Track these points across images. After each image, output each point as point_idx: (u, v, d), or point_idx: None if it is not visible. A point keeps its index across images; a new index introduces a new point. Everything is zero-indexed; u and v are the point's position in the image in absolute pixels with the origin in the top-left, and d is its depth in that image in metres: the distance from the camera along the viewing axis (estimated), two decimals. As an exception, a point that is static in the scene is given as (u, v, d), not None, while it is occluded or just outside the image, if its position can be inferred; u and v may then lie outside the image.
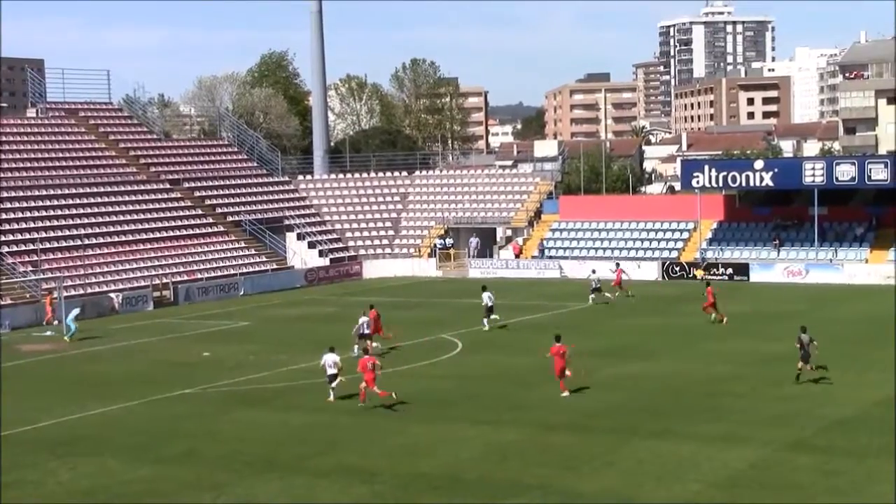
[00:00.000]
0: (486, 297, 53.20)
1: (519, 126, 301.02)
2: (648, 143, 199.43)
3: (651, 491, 27.08)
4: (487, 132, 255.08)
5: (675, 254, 76.80)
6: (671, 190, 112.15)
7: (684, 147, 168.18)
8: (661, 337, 49.81)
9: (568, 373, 37.98)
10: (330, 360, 38.43)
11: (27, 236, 68.45)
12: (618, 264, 66.10)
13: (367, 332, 46.26)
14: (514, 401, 37.84)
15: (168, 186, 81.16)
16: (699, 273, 72.65)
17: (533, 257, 79.75)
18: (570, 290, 67.74)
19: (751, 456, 29.46)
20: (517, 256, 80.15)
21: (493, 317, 53.23)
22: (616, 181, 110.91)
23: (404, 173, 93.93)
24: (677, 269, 74.12)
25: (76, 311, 56.54)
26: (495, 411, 36.13)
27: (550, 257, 78.72)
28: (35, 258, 66.46)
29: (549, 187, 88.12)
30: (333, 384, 38.11)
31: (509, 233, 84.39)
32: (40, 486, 29.16)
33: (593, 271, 64.53)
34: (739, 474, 27.99)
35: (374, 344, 46.40)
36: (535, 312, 59.49)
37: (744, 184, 74.67)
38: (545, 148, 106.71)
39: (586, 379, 39.37)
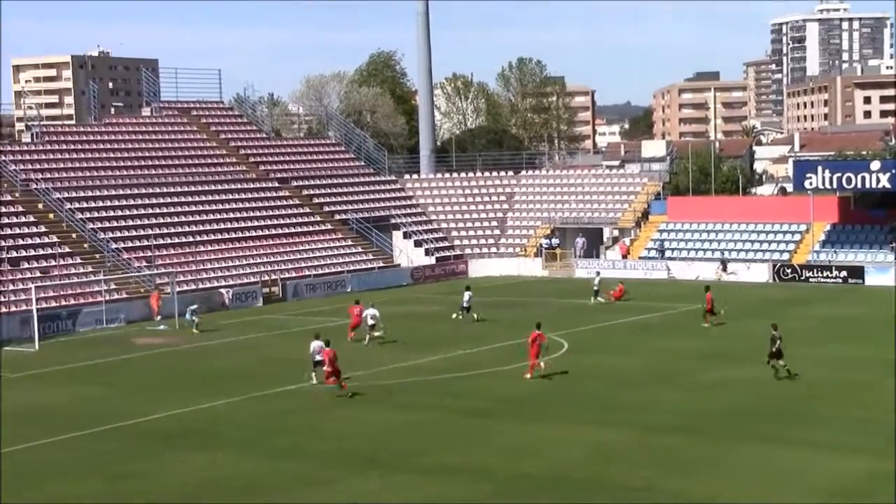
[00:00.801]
0: (467, 297, 57.04)
1: (626, 126, 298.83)
2: (759, 143, 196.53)
3: (759, 497, 26.73)
4: (594, 132, 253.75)
5: (786, 256, 75.63)
6: (783, 191, 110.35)
7: (797, 147, 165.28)
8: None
9: (542, 364, 41.37)
10: (316, 346, 41.44)
11: (141, 232, 69.80)
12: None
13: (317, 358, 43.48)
14: (621, 401, 37.64)
15: (277, 185, 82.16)
16: (717, 273, 73.10)
17: (640, 258, 79.13)
18: (678, 292, 67.07)
19: (864, 466, 28.86)
20: (624, 257, 79.60)
21: (472, 315, 56.47)
22: (725, 182, 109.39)
23: (510, 173, 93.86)
24: (789, 271, 73.00)
25: (194, 306, 57.77)
26: (601, 412, 35.97)
27: (665, 258, 77.92)
28: (149, 254, 67.77)
29: (656, 188, 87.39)
30: (315, 370, 41.27)
31: (616, 233, 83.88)
32: (153, 478, 29.75)
33: (597, 273, 65.93)
34: (852, 485, 27.46)
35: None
36: (643, 313, 59.06)
37: (859, 185, 73.22)
38: (653, 148, 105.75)
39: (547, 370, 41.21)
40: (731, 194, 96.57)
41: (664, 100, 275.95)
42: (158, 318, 60.18)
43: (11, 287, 59.86)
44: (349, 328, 52.03)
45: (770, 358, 40.05)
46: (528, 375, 41.43)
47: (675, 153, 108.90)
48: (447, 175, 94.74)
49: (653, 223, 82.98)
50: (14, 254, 62.15)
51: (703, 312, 54.01)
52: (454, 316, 57.58)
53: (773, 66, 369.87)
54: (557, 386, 40.59)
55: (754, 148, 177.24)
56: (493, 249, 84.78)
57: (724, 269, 72.34)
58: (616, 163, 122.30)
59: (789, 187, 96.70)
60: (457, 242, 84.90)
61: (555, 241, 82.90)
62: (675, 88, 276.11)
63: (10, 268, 60.81)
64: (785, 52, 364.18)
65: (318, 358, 41.12)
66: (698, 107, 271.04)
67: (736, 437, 31.94)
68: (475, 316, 56.86)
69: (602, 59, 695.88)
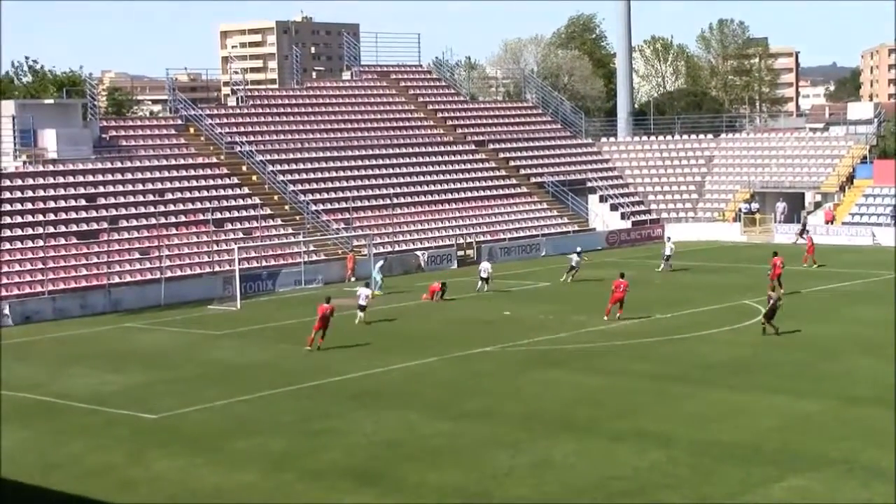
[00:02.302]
0: (669, 248, 62.96)
1: (832, 87, 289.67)
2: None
3: (964, 472, 25.74)
4: (798, 94, 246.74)
5: None
6: None
7: None
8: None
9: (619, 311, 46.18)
10: (363, 292, 48.38)
11: (340, 195, 71.08)
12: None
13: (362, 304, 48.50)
14: (817, 371, 36.74)
15: (474, 148, 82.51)
16: (797, 239, 72.56)
17: (844, 223, 76.77)
18: (882, 259, 64.94)
19: None
20: (829, 223, 77.14)
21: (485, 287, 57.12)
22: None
23: (710, 136, 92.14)
24: None
25: (381, 263, 58.77)
26: (796, 381, 35.15)
27: (864, 224, 75.49)
28: (347, 216, 69.01)
29: (862, 151, 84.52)
30: (362, 313, 47.67)
31: (818, 198, 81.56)
32: (346, 436, 30.36)
33: (578, 251, 61.79)
34: None
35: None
36: (845, 280, 57.41)
37: None
38: (859, 110, 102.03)
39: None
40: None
41: (873, 60, 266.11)
42: (353, 279, 61.25)
43: (216, 247, 61.79)
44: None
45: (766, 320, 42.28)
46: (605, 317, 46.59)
47: (884, 115, 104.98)
48: (644, 138, 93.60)
49: (858, 188, 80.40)
50: (218, 215, 64.09)
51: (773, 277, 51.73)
52: (658, 269, 62.27)
53: None
54: (753, 353, 39.83)
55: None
56: (691, 214, 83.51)
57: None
58: (820, 125, 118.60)
59: None
60: (653, 207, 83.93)
61: (754, 205, 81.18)
62: (885, 48, 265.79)
63: (214, 228, 62.75)
64: None
65: (361, 302, 47.87)
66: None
67: (941, 410, 30.78)
68: (671, 266, 62.26)
69: (807, 19, 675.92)
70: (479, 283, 57.30)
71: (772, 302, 42.71)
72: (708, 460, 27.24)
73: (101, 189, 62.70)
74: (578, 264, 60.16)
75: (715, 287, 54.70)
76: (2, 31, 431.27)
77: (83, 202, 61.15)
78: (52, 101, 69.50)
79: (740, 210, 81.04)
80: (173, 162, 67.50)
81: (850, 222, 76.86)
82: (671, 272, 61.67)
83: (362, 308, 48.14)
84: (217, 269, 59.99)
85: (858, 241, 73.70)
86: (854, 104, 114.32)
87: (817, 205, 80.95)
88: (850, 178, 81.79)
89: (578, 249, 62.60)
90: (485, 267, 57.66)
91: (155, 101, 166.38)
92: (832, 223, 77.09)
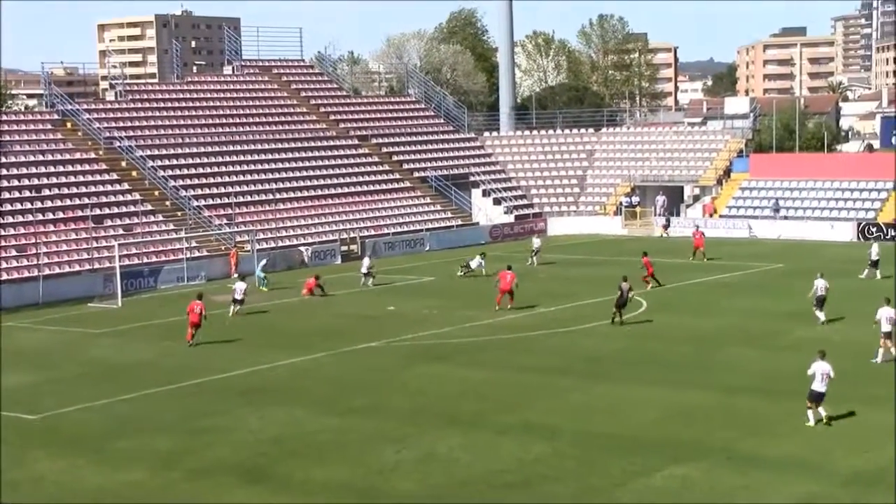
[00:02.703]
0: (477, 261, 59.20)
1: (709, 82, 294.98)
2: (846, 99, 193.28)
3: (841, 458, 26.42)
4: (676, 89, 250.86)
5: (871, 214, 74.38)
6: (869, 148, 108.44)
7: (885, 103, 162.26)
8: (850, 301, 47.86)
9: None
10: (239, 287, 48.59)
11: (222, 190, 70.40)
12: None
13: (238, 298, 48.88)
14: (699, 362, 37.37)
15: (357, 142, 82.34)
16: (661, 232, 73.98)
17: (721, 216, 78.24)
18: (758, 251, 66.38)
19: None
20: (711, 215, 78.42)
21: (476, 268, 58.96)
22: (811, 139, 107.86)
23: (591, 130, 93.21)
24: (874, 230, 71.79)
25: (263, 262, 58.43)
26: (679, 372, 35.74)
27: (780, 217, 76.38)
28: (230, 212, 68.36)
29: (739, 145, 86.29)
30: (235, 308, 48.21)
31: (697, 191, 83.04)
32: (231, 433, 30.10)
33: (482, 255, 60.11)
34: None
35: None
36: (724, 272, 58.52)
37: (948, 142, 71.66)
38: (736, 105, 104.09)
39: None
40: (815, 151, 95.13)
41: (748, 56, 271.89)
42: (236, 275, 60.66)
43: (95, 244, 60.74)
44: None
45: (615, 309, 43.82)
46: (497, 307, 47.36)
47: (759, 110, 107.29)
48: (527, 133, 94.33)
49: (735, 181, 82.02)
50: (98, 211, 63.01)
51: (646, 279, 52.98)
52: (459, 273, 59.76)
53: (863, 21, 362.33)
54: (636, 346, 40.38)
55: (840, 104, 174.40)
56: (573, 208, 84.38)
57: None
58: (698, 120, 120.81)
59: (876, 144, 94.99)
60: (536, 200, 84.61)
61: (635, 199, 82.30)
62: (761, 45, 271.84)
63: (93, 225, 61.69)
64: (875, 6, 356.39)
65: (237, 296, 48.36)
66: (783, 62, 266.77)
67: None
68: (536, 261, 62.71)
69: (685, 16, 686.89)
70: (362, 278, 57.28)
71: (623, 293, 43.86)
72: (592, 452, 27.55)
73: (-24, 185, 61.22)
74: (480, 266, 58.92)
75: (598, 280, 55.34)
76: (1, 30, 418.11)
77: (-43, 199, 59.67)
78: (-78, 95, 67.63)
79: (621, 203, 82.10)
80: (50, 157, 66.18)
81: (728, 215, 78.37)
82: (543, 265, 62.25)
83: (237, 302, 48.43)
84: (97, 266, 59.00)
85: (736, 233, 75.16)
86: (731, 99, 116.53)
87: (696, 198, 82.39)
88: (728, 172, 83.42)
89: (483, 253, 61.14)
90: (366, 262, 57.87)
91: (30, 96, 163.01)
92: (712, 216, 78.47)
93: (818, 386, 28.82)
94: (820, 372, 28.86)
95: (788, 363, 36.00)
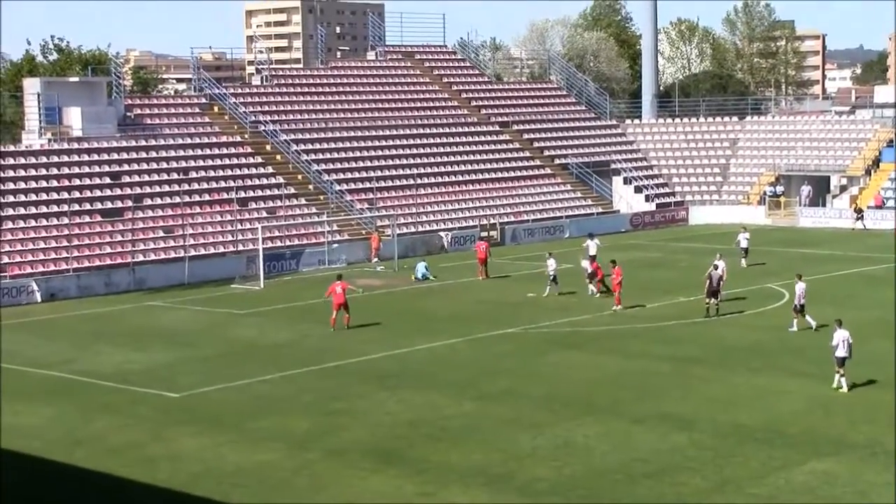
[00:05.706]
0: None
1: (858, 70, 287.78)
2: None
3: None
4: (824, 77, 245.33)
5: None
6: None
7: None
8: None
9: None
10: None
11: (364, 175, 71.09)
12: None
13: None
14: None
15: (497, 129, 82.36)
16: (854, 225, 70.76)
17: (868, 207, 76.23)
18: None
19: None
20: (880, 207, 75.93)
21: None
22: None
23: (735, 118, 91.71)
24: None
25: (425, 263, 56.78)
26: (820, 364, 34.96)
27: (890, 208, 74.80)
28: (371, 196, 69.03)
29: (889, 135, 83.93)
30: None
31: (844, 181, 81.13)
32: (368, 415, 30.45)
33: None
34: None
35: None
36: (868, 265, 57.13)
37: None
38: (886, 93, 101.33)
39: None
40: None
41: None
42: (376, 259, 61.36)
43: (239, 226, 61.91)
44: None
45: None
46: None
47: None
48: (669, 120, 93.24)
49: (884, 171, 79.92)
50: (242, 194, 64.19)
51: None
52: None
53: None
54: (777, 337, 39.72)
55: None
56: (715, 197, 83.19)
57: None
58: (846, 109, 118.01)
59: None
60: (678, 189, 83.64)
61: (779, 188, 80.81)
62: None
63: (238, 207, 62.86)
64: None
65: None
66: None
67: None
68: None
69: (834, 2, 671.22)
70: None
71: (712, 281, 43.77)
72: (729, 443, 27.21)
73: (126, 167, 62.87)
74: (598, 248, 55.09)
75: (739, 270, 54.48)
76: (1, 26, 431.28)
77: (108, 180, 61.34)
78: (77, 79, 69.64)
79: (765, 193, 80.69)
80: (197, 140, 67.61)
81: (873, 206, 76.32)
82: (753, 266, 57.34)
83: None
84: (241, 248, 60.13)
85: (883, 225, 73.19)
86: (881, 87, 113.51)
87: (842, 188, 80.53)
88: (876, 162, 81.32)
89: (590, 233, 58.52)
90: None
91: (179, 80, 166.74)
92: (881, 208, 75.84)
93: (841, 352, 31.63)
94: (841, 339, 31.65)
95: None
